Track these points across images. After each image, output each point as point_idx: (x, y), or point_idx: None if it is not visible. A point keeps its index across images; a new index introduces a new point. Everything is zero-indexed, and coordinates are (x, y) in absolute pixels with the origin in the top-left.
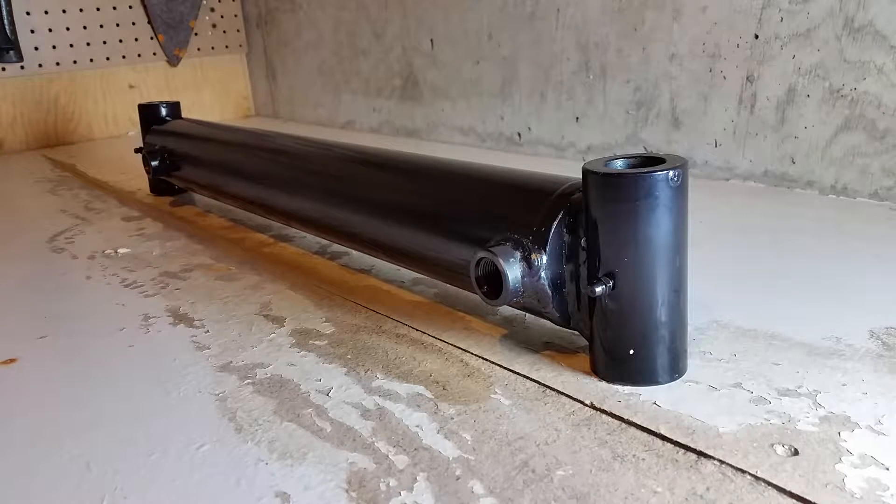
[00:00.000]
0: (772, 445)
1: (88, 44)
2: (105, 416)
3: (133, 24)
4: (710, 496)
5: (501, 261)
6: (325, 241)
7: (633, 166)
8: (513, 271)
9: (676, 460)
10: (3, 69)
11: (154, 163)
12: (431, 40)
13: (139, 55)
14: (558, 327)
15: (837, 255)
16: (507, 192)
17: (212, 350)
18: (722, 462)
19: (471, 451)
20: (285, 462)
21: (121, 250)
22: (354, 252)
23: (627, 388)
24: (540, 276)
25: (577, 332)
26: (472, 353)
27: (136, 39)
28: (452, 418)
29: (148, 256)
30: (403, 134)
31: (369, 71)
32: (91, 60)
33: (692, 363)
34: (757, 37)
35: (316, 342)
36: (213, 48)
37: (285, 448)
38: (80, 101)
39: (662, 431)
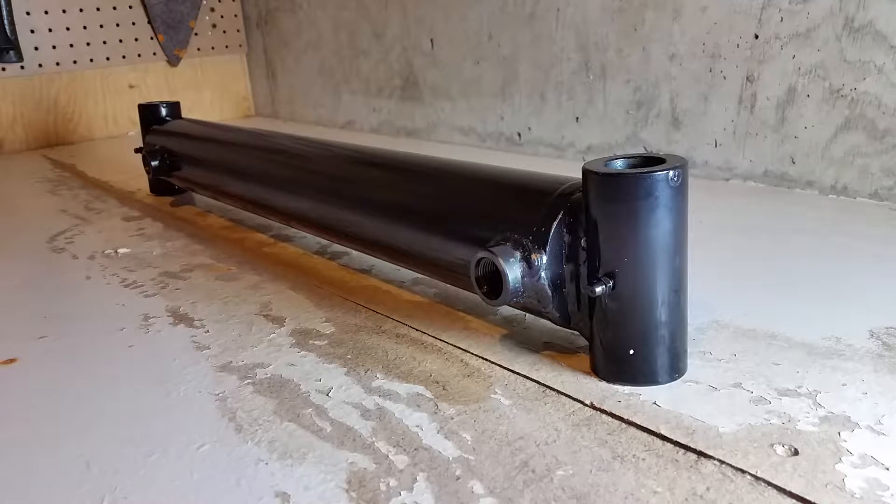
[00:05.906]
0: (772, 445)
1: (88, 44)
2: (105, 416)
3: (133, 24)
4: (710, 496)
5: (501, 261)
6: (325, 241)
7: (633, 166)
8: (513, 271)
9: (676, 460)
10: (3, 69)
11: (154, 163)
12: (431, 40)
13: (139, 55)
14: (558, 327)
15: (837, 255)
16: (507, 192)
17: (212, 350)
18: (722, 462)
19: (471, 451)
20: (285, 462)
21: (121, 250)
22: (354, 252)
23: (627, 388)
24: (540, 276)
25: (577, 332)
26: (472, 353)
27: (136, 39)
28: (452, 418)
29: (148, 256)
30: (403, 134)
31: (369, 71)
32: (91, 60)
33: (692, 363)
34: (757, 37)
35: (316, 342)
36: (213, 48)
37: (285, 448)
38: (80, 101)
39: (662, 431)
